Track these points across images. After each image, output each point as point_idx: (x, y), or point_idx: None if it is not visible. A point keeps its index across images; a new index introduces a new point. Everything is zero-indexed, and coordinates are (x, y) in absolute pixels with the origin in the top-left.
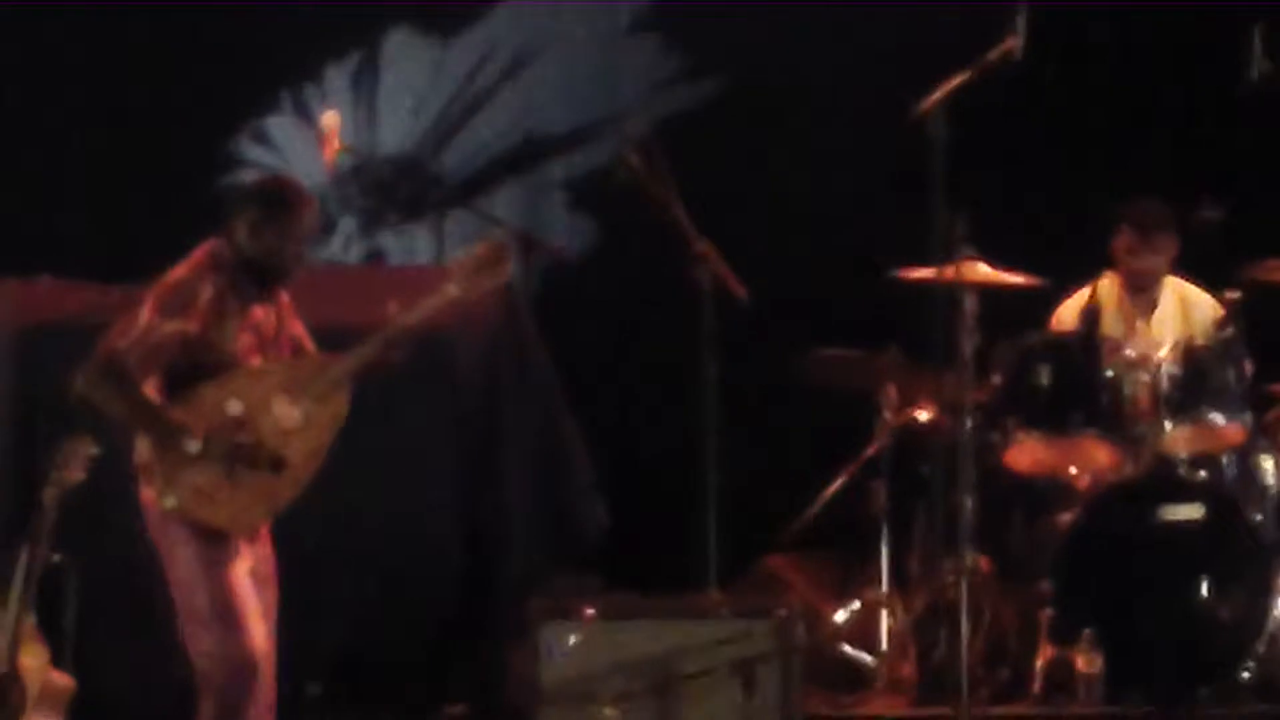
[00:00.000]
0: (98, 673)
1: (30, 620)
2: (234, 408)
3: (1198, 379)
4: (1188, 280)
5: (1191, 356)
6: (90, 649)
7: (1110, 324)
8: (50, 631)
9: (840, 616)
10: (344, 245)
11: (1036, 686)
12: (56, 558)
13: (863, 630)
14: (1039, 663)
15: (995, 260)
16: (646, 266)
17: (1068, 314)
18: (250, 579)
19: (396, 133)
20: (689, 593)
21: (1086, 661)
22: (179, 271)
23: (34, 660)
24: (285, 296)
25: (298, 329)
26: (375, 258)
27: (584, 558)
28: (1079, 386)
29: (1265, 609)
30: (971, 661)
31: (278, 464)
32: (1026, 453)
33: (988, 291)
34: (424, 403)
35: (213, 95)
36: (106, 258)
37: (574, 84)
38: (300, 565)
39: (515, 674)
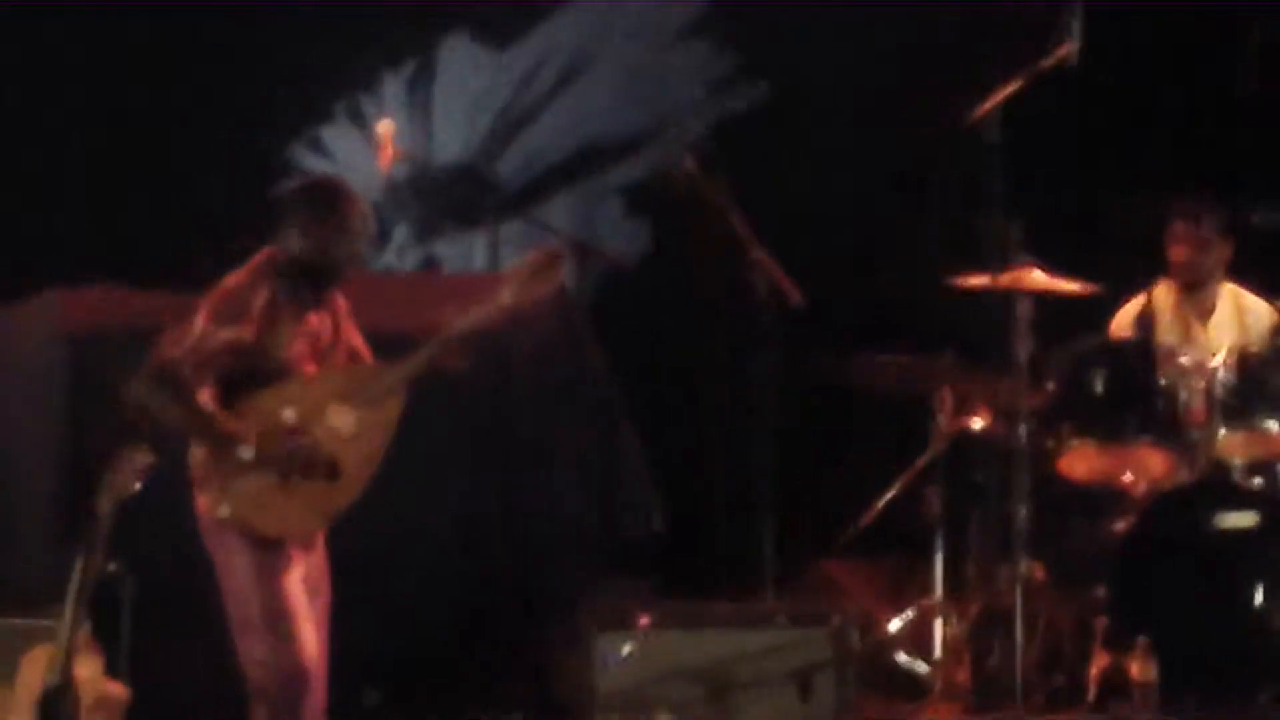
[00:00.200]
0: (152, 682)
1: (85, 629)
2: (289, 415)
3: (1253, 385)
4: (1244, 287)
5: (1247, 363)
6: (145, 658)
7: (1165, 330)
8: (105, 640)
9: (895, 623)
10: (399, 253)
11: (1091, 694)
12: (112, 567)
13: (918, 637)
14: (1094, 670)
15: (1051, 267)
16: (701, 271)
17: (1123, 320)
18: (303, 586)
19: (452, 140)
20: (744, 599)
21: (1141, 668)
22: (233, 278)
23: (89, 670)
24: (343, 304)
25: (356, 340)
26: (430, 265)
27: (639, 564)
28: (1134, 393)
29: None
30: (1026, 668)
31: (332, 471)
32: (1081, 459)
33: (1042, 298)
34: (479, 409)
35: (270, 104)
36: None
37: (628, 89)
38: (357, 573)
39: (570, 683)
